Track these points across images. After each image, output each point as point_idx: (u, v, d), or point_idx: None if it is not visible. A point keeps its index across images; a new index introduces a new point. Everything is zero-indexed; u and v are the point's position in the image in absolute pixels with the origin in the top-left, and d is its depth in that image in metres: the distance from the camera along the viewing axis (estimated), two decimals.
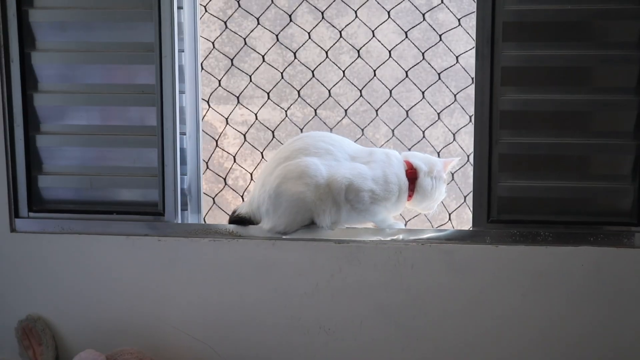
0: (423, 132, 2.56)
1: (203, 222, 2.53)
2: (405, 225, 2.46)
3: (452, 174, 2.52)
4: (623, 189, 2.24)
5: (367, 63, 2.55)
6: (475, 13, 2.24)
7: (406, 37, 2.51)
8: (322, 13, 2.53)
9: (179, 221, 2.42)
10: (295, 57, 2.58)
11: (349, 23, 2.56)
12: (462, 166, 2.53)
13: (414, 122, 2.58)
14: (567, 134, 2.25)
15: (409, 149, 2.53)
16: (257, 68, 2.59)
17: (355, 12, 2.53)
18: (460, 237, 2.28)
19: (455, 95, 2.52)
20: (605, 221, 2.25)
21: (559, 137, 2.25)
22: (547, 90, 2.23)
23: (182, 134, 2.41)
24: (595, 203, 2.27)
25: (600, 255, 2.21)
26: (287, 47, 2.60)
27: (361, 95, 2.57)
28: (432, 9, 2.50)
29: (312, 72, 2.56)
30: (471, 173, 2.32)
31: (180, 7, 2.37)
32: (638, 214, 2.23)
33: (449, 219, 2.56)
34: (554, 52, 2.21)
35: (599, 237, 2.22)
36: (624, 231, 2.23)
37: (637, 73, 2.19)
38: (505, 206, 2.27)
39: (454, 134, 2.55)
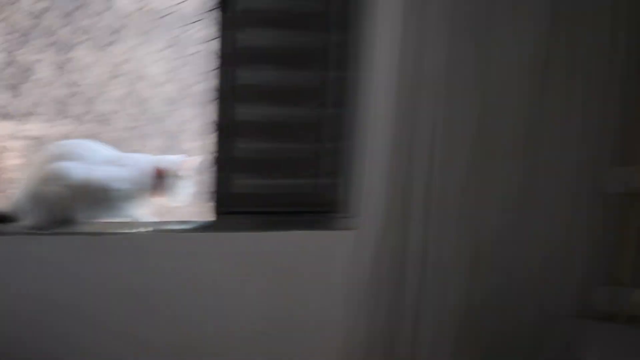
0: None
1: None
2: (152, 219, 2.67)
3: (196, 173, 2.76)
4: (328, 184, 2.67)
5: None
6: None
7: None
8: None
9: None
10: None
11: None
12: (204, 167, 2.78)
13: None
14: (282, 140, 2.66)
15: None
16: None
17: None
18: (196, 228, 2.63)
19: None
20: (314, 210, 2.67)
21: (274, 143, 2.66)
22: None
23: None
24: (305, 196, 2.68)
25: (307, 237, 2.61)
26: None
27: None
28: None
29: None
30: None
31: None
32: (341, 202, 2.67)
33: (190, 212, 2.79)
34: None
35: (310, 223, 2.64)
36: (328, 217, 2.67)
37: None
38: (235, 200, 2.63)
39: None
